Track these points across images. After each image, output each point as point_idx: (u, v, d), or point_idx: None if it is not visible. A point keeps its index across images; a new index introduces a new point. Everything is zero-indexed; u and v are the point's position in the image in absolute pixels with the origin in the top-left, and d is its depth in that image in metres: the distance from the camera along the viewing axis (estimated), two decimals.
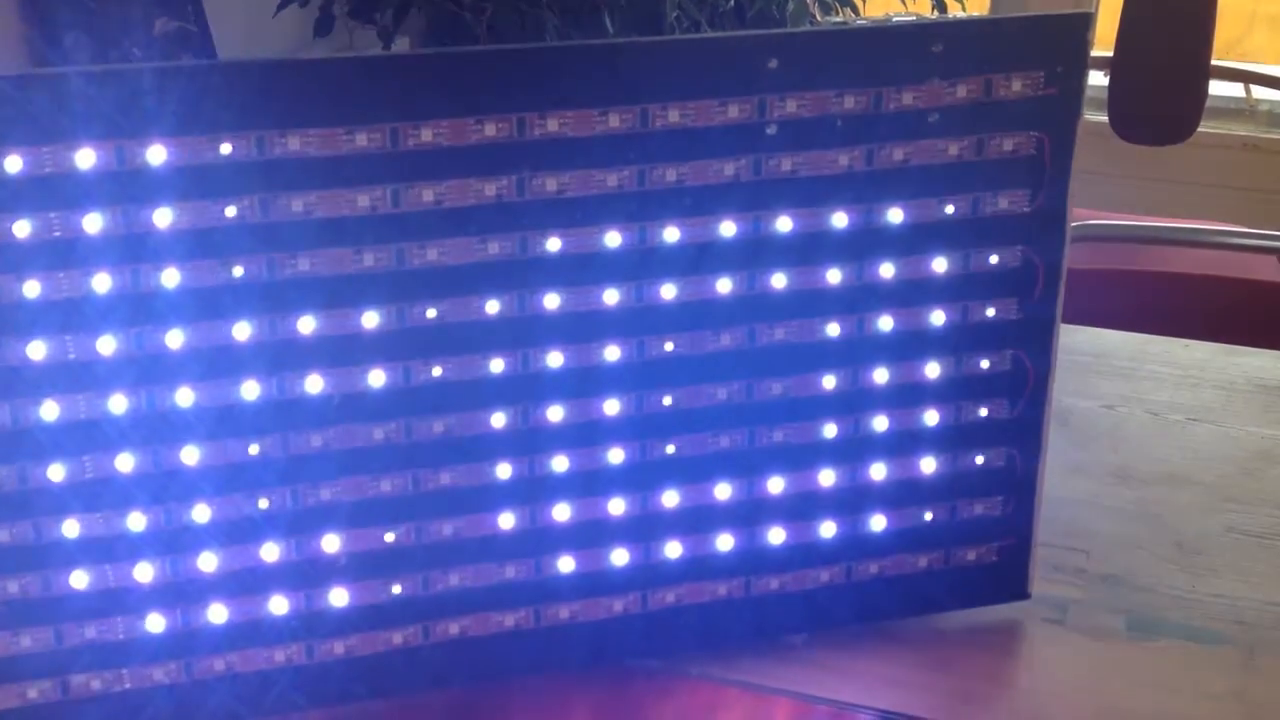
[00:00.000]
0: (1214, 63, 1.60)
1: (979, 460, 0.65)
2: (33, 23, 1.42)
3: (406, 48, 1.83)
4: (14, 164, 0.50)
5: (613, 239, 0.57)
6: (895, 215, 0.60)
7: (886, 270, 0.61)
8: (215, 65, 0.53)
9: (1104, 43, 1.96)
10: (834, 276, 0.60)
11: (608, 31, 1.64)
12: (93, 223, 0.52)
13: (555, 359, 0.58)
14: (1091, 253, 1.57)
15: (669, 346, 0.60)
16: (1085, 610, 0.69)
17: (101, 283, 0.53)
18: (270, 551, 0.58)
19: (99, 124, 0.51)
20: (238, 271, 0.54)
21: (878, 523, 0.65)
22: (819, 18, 1.80)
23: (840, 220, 0.60)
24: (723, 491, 0.62)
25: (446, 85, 0.54)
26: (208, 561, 0.57)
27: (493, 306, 0.57)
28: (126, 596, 0.57)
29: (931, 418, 0.64)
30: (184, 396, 0.55)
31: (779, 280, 0.60)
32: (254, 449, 0.56)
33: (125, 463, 0.55)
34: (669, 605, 0.63)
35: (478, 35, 1.66)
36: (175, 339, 0.54)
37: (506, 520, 0.60)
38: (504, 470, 0.59)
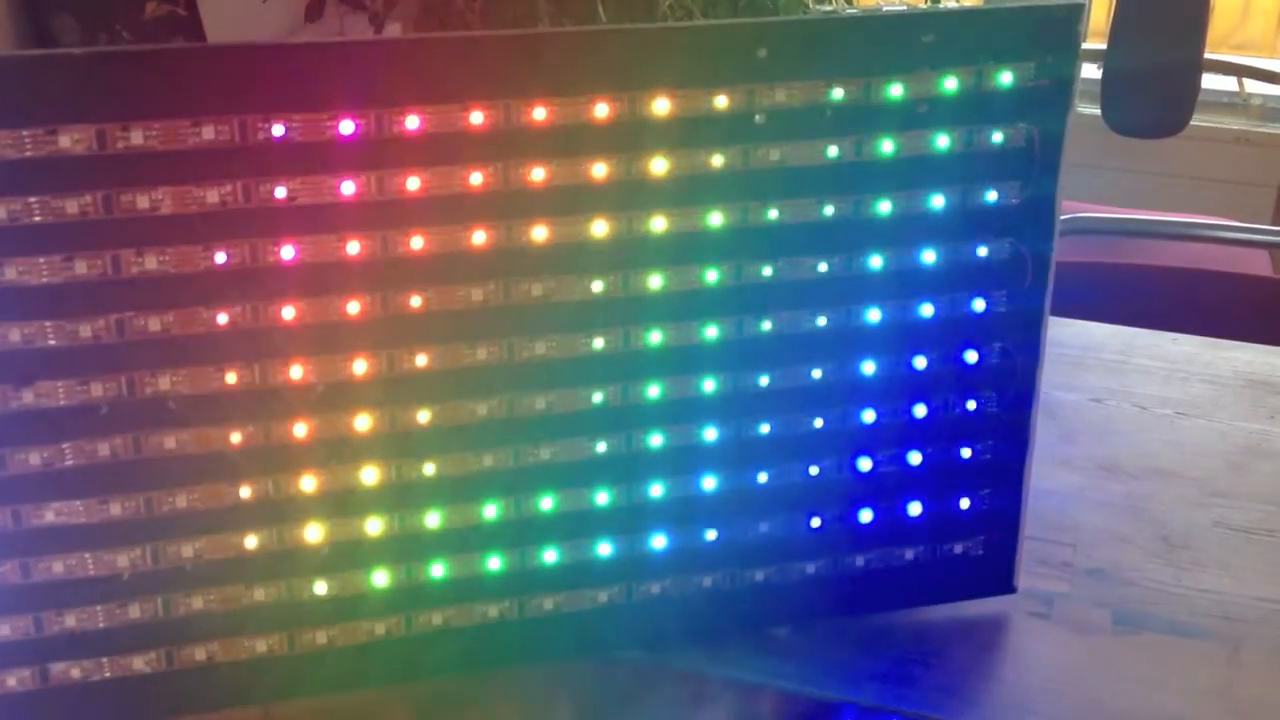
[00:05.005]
0: (1207, 56, 1.60)
1: (966, 453, 0.65)
2: (21, 4, 1.41)
3: (398, 33, 1.82)
4: None
5: (600, 228, 0.57)
6: (883, 206, 0.60)
7: (874, 261, 0.61)
8: (197, 49, 0.52)
9: (1098, 35, 1.96)
10: (822, 267, 0.60)
11: (600, 18, 1.64)
12: (74, 207, 0.51)
13: (541, 348, 0.58)
14: (1081, 246, 1.57)
15: (655, 337, 0.59)
16: (1071, 604, 0.68)
17: (82, 267, 0.52)
18: (251, 540, 0.57)
19: (81, 107, 0.50)
20: (219, 257, 0.53)
21: (864, 515, 0.65)
22: (811, 6, 1.80)
23: (828, 211, 0.59)
24: (709, 483, 0.62)
25: (430, 71, 0.53)
26: (189, 549, 0.57)
27: (478, 295, 0.57)
28: (107, 584, 0.56)
29: (919, 410, 0.64)
30: (166, 382, 0.54)
31: (766, 271, 0.59)
32: (235, 437, 0.56)
33: (105, 449, 0.54)
34: (654, 597, 0.63)
35: (470, 21, 1.65)
36: (156, 324, 0.53)
37: (490, 510, 0.60)
38: (488, 460, 0.59)
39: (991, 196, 0.61)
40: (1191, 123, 1.61)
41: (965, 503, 0.66)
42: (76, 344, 0.53)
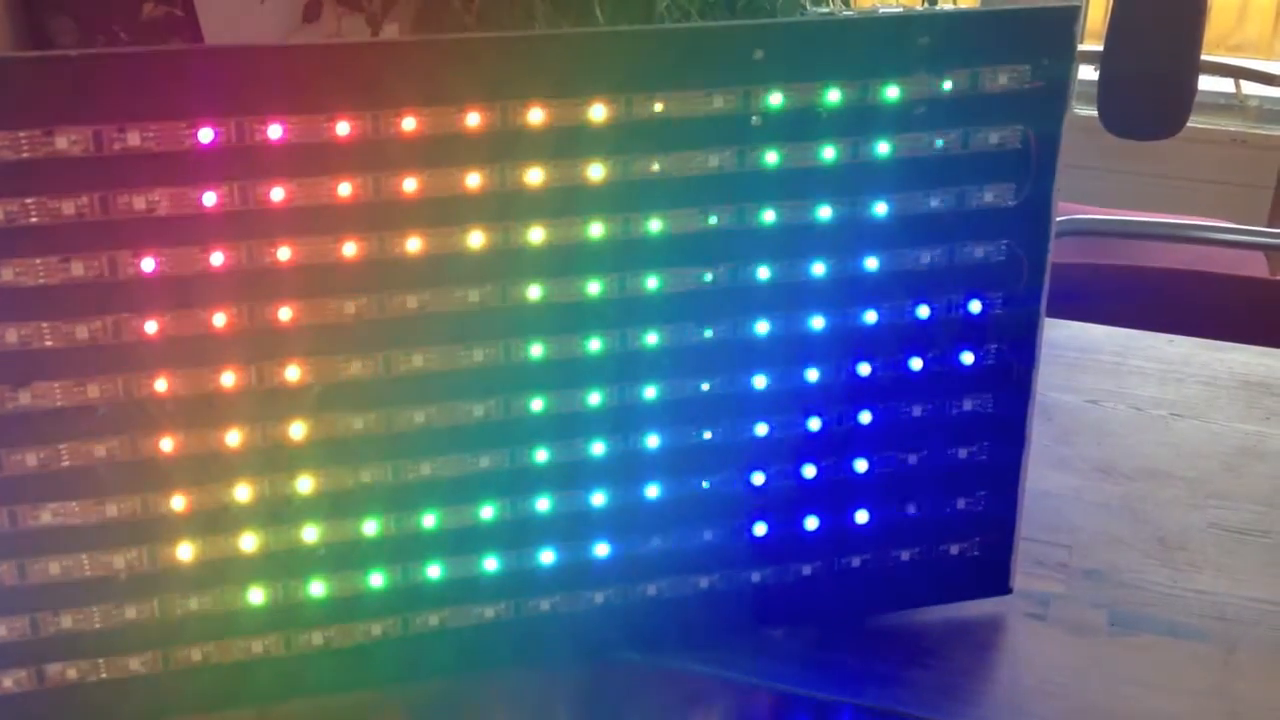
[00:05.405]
0: (1204, 57, 1.60)
1: (962, 454, 0.65)
2: (18, 5, 1.41)
3: (395, 34, 1.82)
4: None
5: (595, 230, 0.57)
6: (880, 208, 0.60)
7: (870, 263, 0.61)
8: (194, 50, 0.52)
9: (1094, 37, 1.96)
10: (818, 269, 0.60)
11: (598, 20, 1.64)
12: (70, 208, 0.51)
13: (536, 350, 0.58)
14: (1077, 247, 1.57)
15: (651, 339, 0.59)
16: (1067, 605, 0.69)
17: (79, 268, 0.52)
18: (248, 542, 0.57)
19: (78, 108, 0.50)
20: (216, 259, 0.53)
21: (860, 516, 0.65)
22: (808, 8, 1.80)
23: (824, 213, 0.59)
24: (706, 484, 0.62)
25: (428, 73, 0.53)
26: (185, 550, 0.57)
27: (475, 297, 0.57)
28: (103, 585, 0.56)
29: (915, 411, 0.64)
30: (162, 384, 0.54)
31: (763, 272, 0.59)
32: (232, 438, 0.56)
33: (102, 450, 0.54)
34: (650, 598, 0.63)
35: (466, 23, 1.66)
36: (152, 325, 0.53)
37: (487, 511, 0.60)
38: (485, 461, 0.59)
39: (988, 198, 0.61)
40: (1188, 124, 1.61)
41: (961, 504, 0.66)
42: (73, 345, 0.53)
